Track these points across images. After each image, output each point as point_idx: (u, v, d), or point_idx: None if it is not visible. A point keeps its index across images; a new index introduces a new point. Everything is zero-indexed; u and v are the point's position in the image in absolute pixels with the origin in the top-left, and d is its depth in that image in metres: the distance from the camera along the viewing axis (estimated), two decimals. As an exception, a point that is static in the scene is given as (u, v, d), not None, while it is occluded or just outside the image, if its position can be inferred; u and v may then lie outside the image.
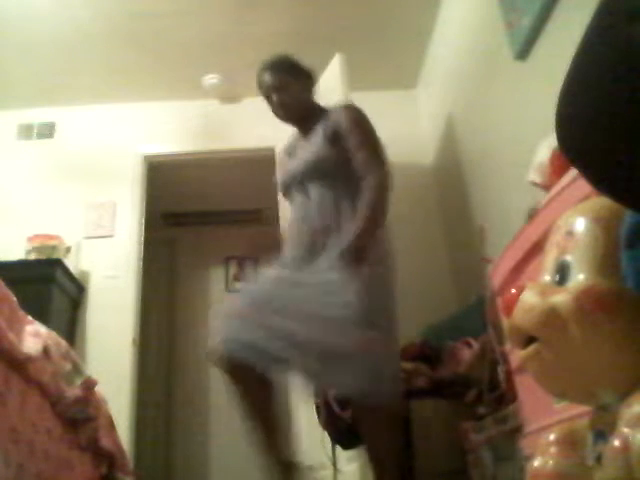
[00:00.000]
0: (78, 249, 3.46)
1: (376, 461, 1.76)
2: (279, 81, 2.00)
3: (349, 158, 1.83)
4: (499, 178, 2.68)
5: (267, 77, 2.01)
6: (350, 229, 1.70)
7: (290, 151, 2.13)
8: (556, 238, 0.81)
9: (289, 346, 1.57)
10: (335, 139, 1.87)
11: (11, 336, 1.25)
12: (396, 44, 3.60)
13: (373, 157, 1.81)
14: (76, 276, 3.33)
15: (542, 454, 0.79)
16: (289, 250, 1.90)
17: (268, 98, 2.03)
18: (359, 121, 1.89)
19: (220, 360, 1.69)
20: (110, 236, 3.56)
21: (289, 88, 2.01)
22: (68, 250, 3.39)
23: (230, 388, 1.71)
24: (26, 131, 3.84)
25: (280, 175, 2.09)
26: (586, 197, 0.94)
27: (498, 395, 1.95)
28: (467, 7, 3.00)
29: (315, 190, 1.88)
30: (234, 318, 1.72)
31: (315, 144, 1.94)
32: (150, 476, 3.95)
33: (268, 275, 1.83)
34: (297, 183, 1.94)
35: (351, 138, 1.84)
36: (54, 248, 3.30)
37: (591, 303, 0.69)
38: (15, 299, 1.41)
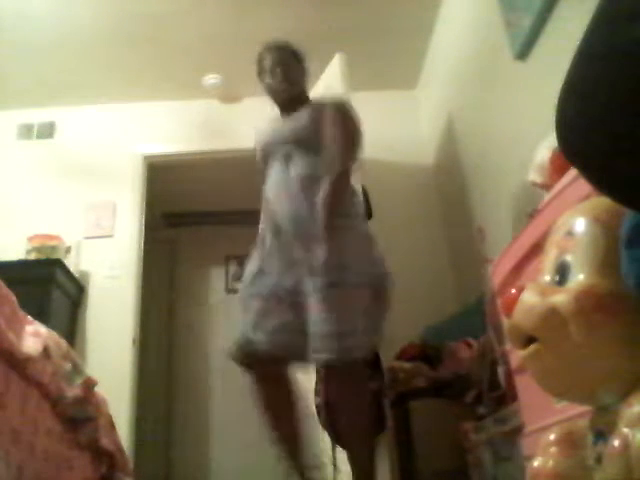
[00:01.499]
0: (78, 249, 3.46)
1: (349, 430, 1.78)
2: (286, 59, 2.09)
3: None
4: (499, 178, 2.67)
5: (274, 53, 2.09)
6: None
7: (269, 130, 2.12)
8: (556, 238, 0.81)
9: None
10: (319, 121, 1.93)
11: (11, 336, 1.25)
12: (396, 44, 3.60)
13: (342, 154, 1.87)
14: (76, 276, 3.33)
15: (542, 454, 0.79)
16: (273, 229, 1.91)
17: (272, 72, 2.06)
18: (344, 115, 1.94)
19: (242, 354, 1.77)
20: (110, 236, 3.56)
21: (293, 67, 2.10)
22: (68, 250, 3.39)
23: (252, 388, 1.78)
24: (26, 131, 3.84)
25: (262, 143, 2.05)
26: (586, 197, 0.94)
27: (498, 395, 1.95)
28: (467, 7, 3.00)
29: (298, 161, 1.90)
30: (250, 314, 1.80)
31: (300, 119, 1.99)
32: (150, 476, 3.95)
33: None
34: (280, 152, 1.95)
35: (331, 127, 1.89)
36: (54, 248, 3.30)
37: (591, 303, 0.69)
38: (15, 299, 1.41)
